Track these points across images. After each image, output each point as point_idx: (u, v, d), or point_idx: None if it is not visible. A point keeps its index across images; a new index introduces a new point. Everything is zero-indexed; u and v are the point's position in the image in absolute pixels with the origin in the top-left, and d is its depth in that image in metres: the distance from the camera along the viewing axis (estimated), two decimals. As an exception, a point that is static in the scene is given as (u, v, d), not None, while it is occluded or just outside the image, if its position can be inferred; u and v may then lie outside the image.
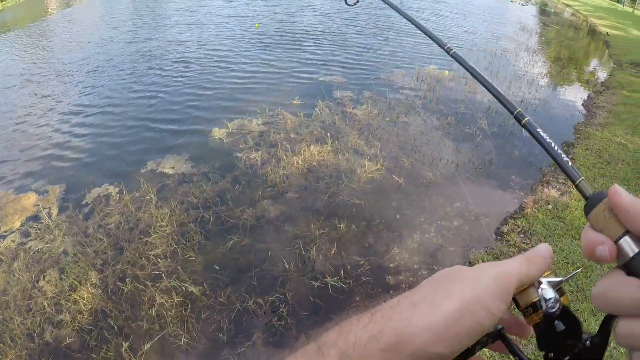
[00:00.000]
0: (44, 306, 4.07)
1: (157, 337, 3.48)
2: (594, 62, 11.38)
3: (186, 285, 3.78)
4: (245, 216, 4.33)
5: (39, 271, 4.48)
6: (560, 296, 0.44)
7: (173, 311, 3.60)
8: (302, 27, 11.45)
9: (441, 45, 0.97)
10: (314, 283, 3.51)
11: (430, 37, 1.07)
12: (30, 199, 5.80)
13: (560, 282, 0.45)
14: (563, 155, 0.53)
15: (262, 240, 4.16)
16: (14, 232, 5.18)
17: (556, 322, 0.44)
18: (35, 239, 4.94)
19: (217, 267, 3.88)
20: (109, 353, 3.51)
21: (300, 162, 4.89)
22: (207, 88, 7.57)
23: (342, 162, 4.91)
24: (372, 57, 8.67)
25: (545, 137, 0.57)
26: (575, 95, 7.64)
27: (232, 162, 5.20)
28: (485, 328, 0.40)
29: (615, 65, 10.12)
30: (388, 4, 1.34)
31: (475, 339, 0.41)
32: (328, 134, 5.39)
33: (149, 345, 3.44)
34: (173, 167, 5.43)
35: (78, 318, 3.82)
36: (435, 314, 0.40)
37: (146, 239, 4.37)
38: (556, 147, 0.55)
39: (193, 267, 3.96)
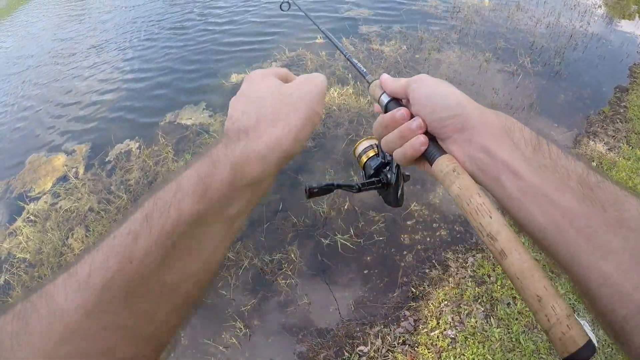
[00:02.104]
0: None
1: None
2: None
3: None
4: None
5: (68, 229, 4.67)
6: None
7: None
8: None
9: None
10: (323, 241, 3.33)
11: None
12: (60, 160, 6.04)
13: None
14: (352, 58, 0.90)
15: (275, 191, 3.97)
16: (46, 193, 5.41)
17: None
18: (65, 199, 5.16)
19: None
20: None
21: None
22: (225, 31, 7.27)
23: (364, 105, 4.56)
24: None
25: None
26: (633, 31, 6.61)
27: None
28: (317, 124, 0.59)
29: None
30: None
31: (312, 130, 0.58)
32: (350, 74, 4.99)
33: None
34: (191, 118, 5.37)
35: None
36: (290, 126, 0.54)
37: None
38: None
39: None
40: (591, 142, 3.98)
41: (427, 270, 3.09)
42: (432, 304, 2.87)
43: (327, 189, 0.76)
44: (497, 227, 0.47)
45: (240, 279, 3.24)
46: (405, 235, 3.30)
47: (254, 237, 3.51)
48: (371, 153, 0.82)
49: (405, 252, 3.19)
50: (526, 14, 6.41)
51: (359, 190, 0.79)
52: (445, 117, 0.56)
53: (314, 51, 5.66)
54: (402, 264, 3.14)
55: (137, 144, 5.27)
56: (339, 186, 0.78)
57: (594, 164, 3.69)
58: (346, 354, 2.73)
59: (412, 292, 2.98)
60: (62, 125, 6.88)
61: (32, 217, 5.19)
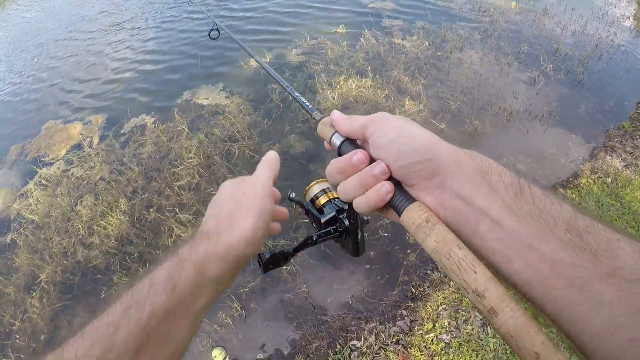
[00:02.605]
0: (79, 229, 4.31)
1: None
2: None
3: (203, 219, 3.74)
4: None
5: (78, 196, 4.73)
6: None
7: None
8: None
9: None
10: (329, 231, 3.31)
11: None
12: (76, 129, 6.12)
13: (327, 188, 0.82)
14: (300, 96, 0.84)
15: (284, 177, 3.97)
16: (59, 160, 5.49)
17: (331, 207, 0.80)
18: (77, 166, 5.22)
19: None
20: (127, 277, 3.73)
21: (335, 97, 4.57)
22: (247, 17, 7.24)
23: (381, 98, 4.52)
24: None
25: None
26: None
27: (266, 94, 4.98)
28: (269, 220, 0.66)
29: None
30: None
31: (265, 228, 0.64)
32: (369, 67, 4.95)
33: None
34: (207, 98, 5.37)
35: (105, 242, 4.06)
36: (243, 232, 0.61)
37: (173, 169, 4.42)
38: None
39: None
40: (608, 157, 3.89)
41: (428, 272, 3.08)
42: (430, 306, 2.87)
43: (281, 258, 0.73)
44: (483, 283, 0.43)
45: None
46: (411, 234, 3.26)
47: None
48: (323, 200, 0.78)
49: (409, 251, 3.19)
50: (552, 20, 6.28)
51: (315, 243, 0.74)
52: (414, 163, 0.51)
53: (335, 41, 5.62)
54: (405, 263, 3.14)
55: (153, 119, 5.30)
56: (295, 251, 0.75)
57: (609, 179, 3.63)
58: (338, 346, 2.74)
59: (412, 292, 2.98)
60: (79, 98, 6.95)
61: (43, 182, 5.25)
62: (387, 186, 0.53)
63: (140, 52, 7.45)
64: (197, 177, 4.21)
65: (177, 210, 3.98)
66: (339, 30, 5.90)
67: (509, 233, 0.44)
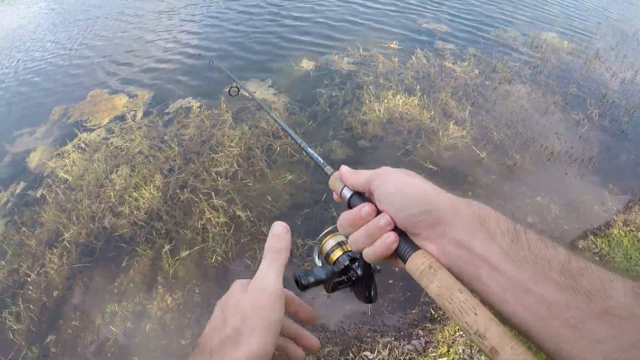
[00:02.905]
0: (110, 196, 4.40)
1: (196, 248, 3.69)
2: None
3: (236, 208, 3.90)
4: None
5: (114, 165, 4.81)
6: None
7: (217, 228, 3.77)
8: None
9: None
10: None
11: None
12: (121, 100, 6.25)
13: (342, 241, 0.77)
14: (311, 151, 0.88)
15: (322, 181, 4.05)
16: (101, 127, 5.61)
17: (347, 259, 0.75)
18: (118, 136, 5.31)
19: (269, 198, 3.94)
20: (151, 250, 3.81)
21: (382, 111, 4.65)
22: (306, 19, 7.35)
23: (426, 119, 4.60)
24: (488, 9, 7.79)
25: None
26: None
27: (313, 97, 5.08)
28: (279, 330, 0.56)
29: None
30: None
31: (275, 338, 0.55)
32: (418, 86, 5.03)
33: (187, 252, 3.67)
34: (255, 92, 5.44)
35: (135, 213, 4.15)
36: (252, 351, 0.52)
37: (213, 155, 4.49)
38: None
39: (248, 193, 4.06)
40: (642, 211, 3.91)
41: (452, 296, 3.15)
42: (447, 330, 2.89)
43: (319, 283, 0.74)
44: (484, 324, 0.45)
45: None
46: (415, 280, 3.35)
47: (291, 219, 3.64)
48: (338, 254, 0.77)
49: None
50: (603, 65, 6.28)
51: (331, 291, 0.76)
52: (416, 214, 0.55)
53: (387, 55, 5.72)
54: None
55: (199, 104, 5.39)
56: (315, 283, 0.76)
57: (640, 234, 3.65)
58: (351, 354, 2.80)
59: (431, 313, 3.03)
60: (128, 72, 7.09)
61: (82, 145, 5.33)
62: (392, 237, 0.57)
63: (193, 37, 7.58)
64: (236, 166, 4.29)
65: (212, 194, 4.07)
66: (392, 45, 6.00)
67: (507, 278, 0.47)
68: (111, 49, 8.26)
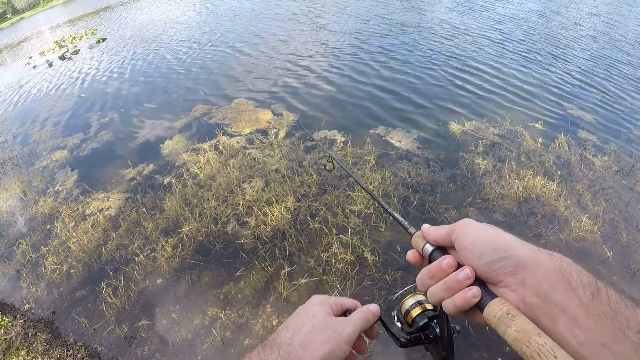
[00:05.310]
0: (239, 204, 4.64)
1: (315, 278, 3.85)
2: None
3: (365, 249, 4.07)
4: (447, 215, 4.55)
5: (248, 175, 5.10)
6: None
7: (341, 265, 3.93)
8: (569, 36, 10.64)
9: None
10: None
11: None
12: (265, 116, 6.67)
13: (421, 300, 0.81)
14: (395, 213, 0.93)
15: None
16: (241, 135, 6.03)
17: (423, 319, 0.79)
18: (257, 149, 5.65)
19: (398, 248, 4.11)
20: (270, 268, 3.98)
21: (520, 189, 4.96)
22: (464, 80, 7.76)
23: (561, 207, 4.85)
24: (634, 105, 7.68)
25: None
26: None
27: (455, 160, 5.43)
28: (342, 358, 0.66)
29: None
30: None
31: None
32: (559, 172, 5.32)
33: (305, 280, 3.83)
34: (400, 141, 5.81)
35: (261, 227, 4.32)
36: (318, 353, 0.63)
37: (350, 192, 4.78)
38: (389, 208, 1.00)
39: (378, 237, 4.24)
40: None
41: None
42: None
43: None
44: None
45: (385, 303, 3.55)
46: (492, 328, 3.61)
47: (414, 274, 4.10)
48: (417, 312, 0.80)
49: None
50: None
51: (404, 345, 0.78)
52: (495, 260, 0.56)
53: (531, 134, 6.02)
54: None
55: (344, 139, 5.78)
56: (387, 329, 0.84)
57: None
58: None
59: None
60: (276, 89, 7.62)
61: (220, 147, 5.72)
62: (474, 291, 0.58)
63: (349, 71, 8.19)
64: (371, 209, 4.54)
65: (342, 229, 4.26)
66: (537, 125, 6.30)
67: (584, 331, 0.47)
68: (265, 64, 9.02)
